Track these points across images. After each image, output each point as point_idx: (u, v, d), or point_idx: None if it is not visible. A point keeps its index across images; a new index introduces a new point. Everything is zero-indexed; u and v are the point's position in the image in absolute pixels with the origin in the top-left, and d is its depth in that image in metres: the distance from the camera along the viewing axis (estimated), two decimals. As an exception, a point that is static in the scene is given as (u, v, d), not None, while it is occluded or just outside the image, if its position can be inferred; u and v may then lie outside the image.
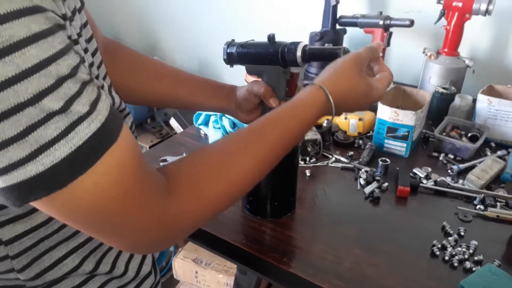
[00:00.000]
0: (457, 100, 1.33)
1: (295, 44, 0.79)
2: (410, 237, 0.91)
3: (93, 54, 0.57)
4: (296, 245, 0.88)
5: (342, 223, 0.95)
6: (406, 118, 1.15)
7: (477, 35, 1.54)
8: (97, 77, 0.56)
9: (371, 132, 1.31)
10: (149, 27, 2.46)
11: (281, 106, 0.66)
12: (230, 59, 0.89)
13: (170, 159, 1.16)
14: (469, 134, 1.23)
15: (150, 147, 2.02)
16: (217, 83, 0.90)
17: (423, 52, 1.48)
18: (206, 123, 1.31)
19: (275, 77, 0.83)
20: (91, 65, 0.54)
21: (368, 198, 1.03)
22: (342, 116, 1.29)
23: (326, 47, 0.77)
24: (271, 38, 0.82)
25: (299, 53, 0.78)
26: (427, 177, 1.10)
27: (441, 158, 1.20)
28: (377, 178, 1.10)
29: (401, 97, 1.32)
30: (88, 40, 0.57)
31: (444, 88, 1.37)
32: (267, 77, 0.85)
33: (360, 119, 1.26)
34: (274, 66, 0.82)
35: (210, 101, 0.89)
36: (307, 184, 1.09)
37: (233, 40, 0.89)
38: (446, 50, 1.44)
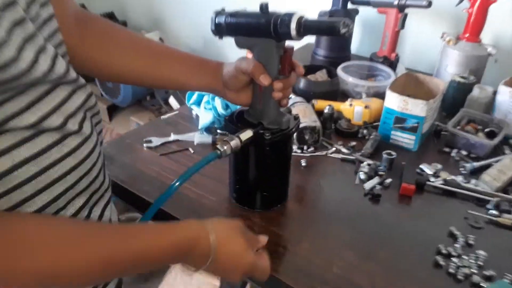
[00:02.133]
0: (476, 91, 1.20)
1: (289, 15, 0.67)
2: (411, 242, 0.81)
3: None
4: (282, 244, 0.79)
5: (335, 221, 0.85)
6: (416, 108, 1.04)
7: (502, 20, 1.40)
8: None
9: (378, 122, 1.19)
10: (153, 2, 2.35)
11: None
12: (219, 30, 0.78)
13: (155, 140, 1.07)
14: (487, 130, 1.11)
15: (146, 126, 1.93)
16: (202, 58, 0.80)
17: (441, 37, 1.34)
18: (198, 103, 1.21)
19: (266, 51, 0.73)
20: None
21: (368, 194, 0.93)
22: (347, 102, 1.18)
23: (324, 19, 0.66)
24: (263, 7, 0.71)
25: (293, 25, 0.67)
26: (436, 174, 0.99)
27: (453, 154, 1.08)
28: (380, 172, 0.99)
29: (413, 84, 1.20)
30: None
31: (462, 77, 1.24)
32: (258, 51, 0.74)
33: (366, 107, 1.14)
34: (266, 39, 0.72)
35: (193, 79, 0.79)
36: (302, 175, 0.99)
37: (223, 9, 0.78)
38: (467, 35, 1.30)
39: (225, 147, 0.71)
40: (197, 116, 1.20)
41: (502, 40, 1.43)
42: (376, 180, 0.96)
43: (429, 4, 1.26)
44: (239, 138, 0.73)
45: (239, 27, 0.74)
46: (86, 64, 0.71)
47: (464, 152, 1.08)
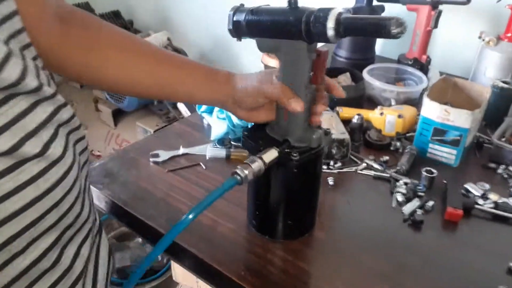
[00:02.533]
0: (522, 98, 1.07)
1: (325, 11, 0.55)
2: (462, 278, 0.68)
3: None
4: (308, 282, 0.67)
5: (370, 251, 0.72)
6: (460, 118, 0.91)
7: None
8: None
9: (411, 132, 1.06)
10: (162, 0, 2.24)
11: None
12: (237, 30, 0.66)
13: (163, 154, 0.95)
14: (537, 142, 0.98)
15: (154, 132, 1.82)
16: (209, 68, 0.68)
17: (479, 37, 1.21)
18: (210, 111, 1.09)
19: (295, 56, 0.61)
20: None
21: (407, 220, 0.80)
22: (377, 110, 1.05)
23: (369, 16, 0.53)
24: (292, 2, 0.59)
25: (330, 23, 0.54)
26: (484, 196, 0.86)
27: (500, 171, 0.95)
28: (419, 193, 0.86)
29: (451, 91, 1.07)
30: None
31: (504, 82, 1.11)
32: (285, 56, 0.62)
33: (399, 116, 1.01)
34: (294, 41, 0.59)
35: (200, 92, 0.67)
36: (329, 195, 0.86)
37: (241, 5, 0.66)
38: (509, 35, 1.17)
39: (246, 172, 0.58)
40: (208, 125, 1.08)
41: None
42: (416, 203, 0.83)
43: (468, 1, 1.13)
44: (263, 161, 0.60)
45: (262, 26, 0.62)
46: (72, 68, 0.60)
47: (512, 169, 0.95)
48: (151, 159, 0.94)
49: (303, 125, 0.66)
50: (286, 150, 0.64)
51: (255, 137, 0.68)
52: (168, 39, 1.84)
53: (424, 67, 1.28)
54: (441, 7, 1.22)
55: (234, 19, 0.65)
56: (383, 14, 1.38)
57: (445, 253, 0.73)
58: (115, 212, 0.83)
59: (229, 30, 0.67)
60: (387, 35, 0.51)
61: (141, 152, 0.97)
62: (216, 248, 0.72)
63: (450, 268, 0.71)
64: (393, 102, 1.17)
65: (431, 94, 0.98)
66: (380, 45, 1.58)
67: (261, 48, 0.65)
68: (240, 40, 0.68)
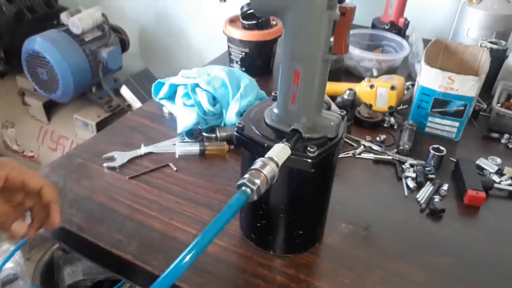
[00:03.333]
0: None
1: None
2: (502, 275, 0.58)
3: None
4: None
5: (392, 255, 0.60)
6: (465, 86, 0.80)
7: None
8: None
9: (401, 105, 0.95)
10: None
11: None
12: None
13: (119, 156, 0.76)
14: (537, 106, 0.91)
15: (97, 125, 1.58)
16: None
17: (459, -5, 1.12)
18: (170, 96, 0.91)
19: (309, 17, 0.44)
20: None
21: (425, 210, 0.69)
22: (364, 83, 0.92)
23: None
24: None
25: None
26: (499, 172, 0.76)
27: (503, 141, 0.86)
28: (430, 175, 0.75)
29: (442, 56, 0.96)
30: None
31: (492, 43, 1.02)
32: (294, 18, 0.45)
33: (392, 88, 0.89)
34: (307, -4, 0.43)
35: None
36: (333, 190, 0.72)
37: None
38: (490, -9, 1.08)
39: (258, 182, 0.42)
40: (170, 115, 0.90)
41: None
42: (430, 187, 0.72)
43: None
44: (275, 162, 0.44)
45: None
46: None
47: (516, 137, 0.87)
48: (105, 164, 0.74)
49: (317, 110, 0.50)
50: (299, 143, 0.49)
51: (253, 130, 0.52)
52: (103, 15, 1.58)
53: (402, 32, 1.17)
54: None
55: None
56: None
57: (476, 247, 0.63)
58: (67, 240, 0.64)
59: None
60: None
61: (90, 156, 0.77)
62: (210, 277, 0.56)
63: (487, 265, 0.60)
64: (375, 73, 1.05)
65: (426, 60, 0.86)
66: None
67: (260, 9, 0.48)
68: (225, 1, 0.50)
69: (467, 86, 0.79)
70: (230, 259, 0.59)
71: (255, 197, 0.42)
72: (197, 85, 0.85)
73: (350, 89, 0.85)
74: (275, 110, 0.52)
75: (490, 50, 1.00)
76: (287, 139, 0.48)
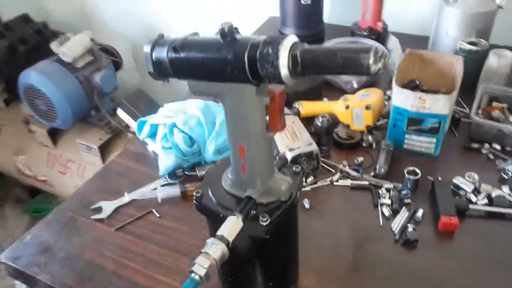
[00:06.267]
0: (493, 60, 0.97)
1: (276, 43, 0.41)
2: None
3: None
4: None
5: (370, 295, 0.63)
6: (437, 104, 0.80)
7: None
8: None
9: (381, 119, 0.96)
10: (77, -11, 1.96)
11: None
12: (160, 72, 0.50)
13: (106, 206, 0.80)
14: (518, 110, 0.90)
15: (99, 148, 1.63)
16: None
17: (437, -6, 1.09)
18: (153, 135, 0.93)
19: (242, 102, 0.46)
20: None
21: (400, 240, 0.70)
22: (341, 102, 0.93)
23: (339, 46, 0.39)
24: (226, 32, 0.43)
25: (283, 60, 0.40)
26: (476, 191, 0.77)
27: (484, 151, 0.87)
28: (406, 200, 0.76)
29: (417, 66, 0.96)
30: None
31: (471, 44, 1.00)
32: (229, 102, 0.47)
33: (367, 107, 0.89)
34: (238, 84, 0.45)
35: None
36: (308, 223, 0.74)
37: (161, 36, 0.50)
38: (468, -11, 1.06)
39: (206, 267, 0.45)
40: (154, 153, 0.93)
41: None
42: (404, 215, 0.74)
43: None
44: (225, 242, 0.47)
45: (192, 67, 0.47)
46: None
47: (497, 146, 0.86)
48: (92, 217, 0.78)
49: (267, 176, 0.53)
50: (251, 212, 0.51)
51: (210, 199, 0.54)
52: (92, 39, 1.61)
53: (381, 36, 1.15)
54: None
55: (154, 58, 0.49)
56: None
57: (450, 278, 0.65)
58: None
59: (150, 74, 0.51)
60: (366, 72, 0.38)
61: (80, 208, 0.81)
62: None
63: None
64: (355, 85, 1.05)
65: (399, 77, 0.86)
66: (328, 11, 1.43)
67: (195, 92, 0.50)
68: (168, 82, 0.52)
69: (439, 104, 0.79)
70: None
71: (205, 282, 0.45)
72: (175, 124, 0.87)
73: (323, 116, 0.86)
74: (230, 176, 0.55)
75: (469, 52, 0.99)
76: (240, 209, 0.50)
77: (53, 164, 1.77)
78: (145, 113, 0.98)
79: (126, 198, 0.81)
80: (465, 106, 0.98)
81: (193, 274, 0.44)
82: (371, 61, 0.36)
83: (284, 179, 0.53)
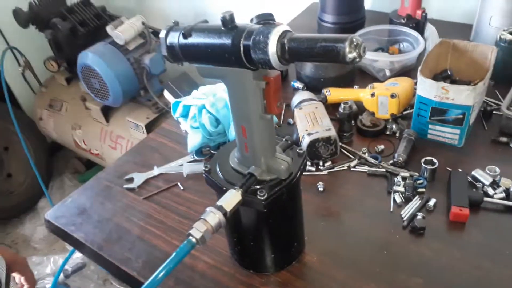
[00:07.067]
0: (534, 52, 0.93)
1: (266, 32, 0.44)
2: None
3: None
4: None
5: (368, 275, 0.65)
6: (460, 96, 0.79)
7: None
8: None
9: (409, 108, 0.95)
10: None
11: None
12: (174, 56, 0.55)
13: (137, 177, 0.88)
14: (555, 105, 0.86)
15: (146, 126, 1.74)
16: None
17: (480, -19, 1.05)
18: (186, 115, 1.00)
19: (242, 85, 0.50)
20: None
21: (407, 227, 0.71)
22: (368, 90, 0.93)
23: (322, 36, 0.42)
24: (227, 20, 0.47)
25: (272, 48, 0.44)
26: (494, 184, 0.76)
27: (512, 145, 0.84)
28: (420, 189, 0.77)
29: (450, 55, 0.94)
30: None
31: (512, 34, 0.96)
32: (232, 85, 0.52)
33: (392, 96, 0.89)
34: (237, 68, 0.49)
35: None
36: (319, 205, 0.78)
37: (175, 23, 0.55)
38: (515, -25, 1.00)
39: (202, 231, 0.50)
40: (186, 132, 0.99)
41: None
42: (416, 203, 0.74)
43: None
44: (222, 210, 0.52)
45: (198, 52, 0.52)
46: None
47: (527, 141, 0.83)
48: (125, 186, 0.86)
49: (268, 156, 0.56)
50: (251, 187, 0.55)
51: (217, 173, 0.59)
52: (143, 23, 1.71)
53: (420, 24, 1.13)
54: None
55: (168, 42, 0.55)
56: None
57: (451, 267, 0.65)
58: (90, 255, 0.77)
59: (165, 57, 0.56)
60: (342, 60, 0.40)
61: (115, 178, 0.90)
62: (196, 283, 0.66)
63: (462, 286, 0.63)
64: (387, 73, 1.05)
65: (425, 68, 0.85)
66: (370, -1, 1.42)
67: (203, 75, 0.54)
68: (182, 65, 0.57)
69: (462, 96, 0.78)
70: (215, 276, 0.68)
71: (201, 244, 0.50)
72: (204, 106, 0.93)
73: (345, 103, 0.88)
74: (236, 154, 0.59)
75: (510, 42, 0.95)
76: (241, 184, 0.55)
77: (105, 139, 1.92)
78: (188, 95, 1.04)
79: (156, 171, 0.88)
80: (501, 98, 0.95)
81: (190, 237, 0.50)
82: (347, 50, 0.39)
83: (285, 159, 0.57)
